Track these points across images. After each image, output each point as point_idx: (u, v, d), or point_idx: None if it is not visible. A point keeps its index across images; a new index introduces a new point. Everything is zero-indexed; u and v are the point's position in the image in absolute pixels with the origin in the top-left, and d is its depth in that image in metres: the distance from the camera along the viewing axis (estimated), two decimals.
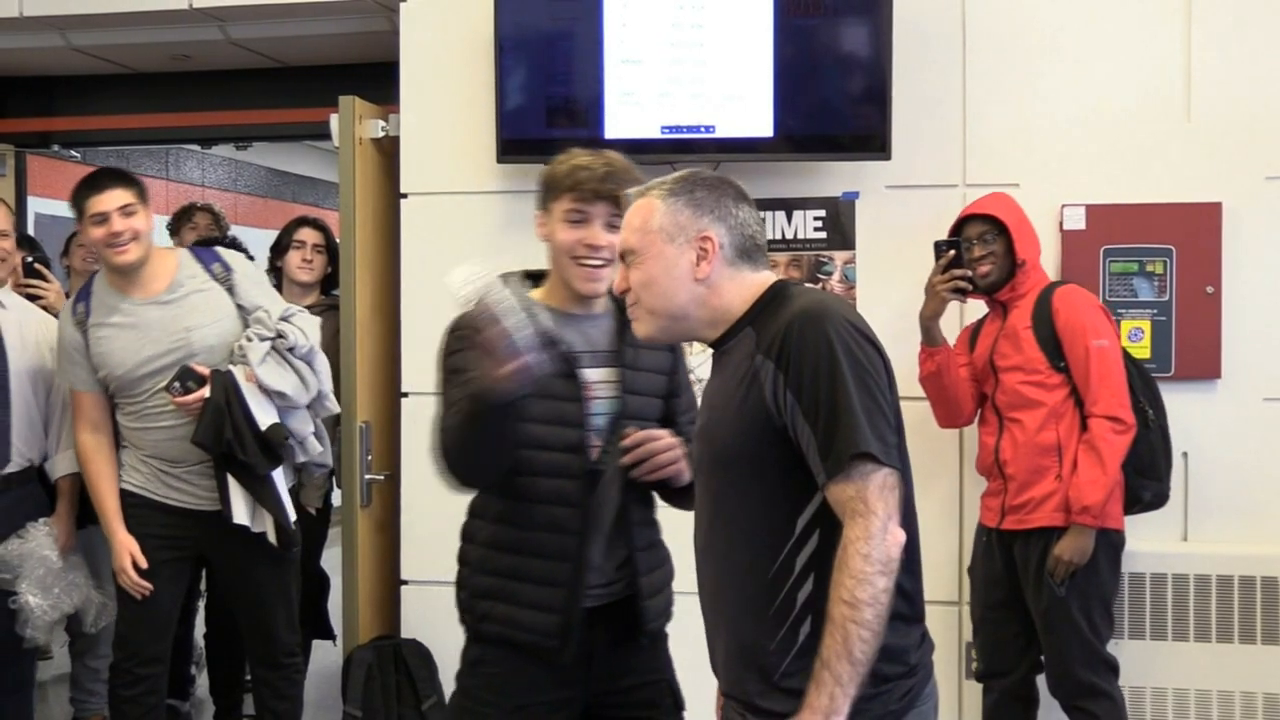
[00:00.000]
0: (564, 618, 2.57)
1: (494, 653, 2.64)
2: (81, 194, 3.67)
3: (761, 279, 2.16)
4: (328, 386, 3.86)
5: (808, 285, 2.22)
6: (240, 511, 3.66)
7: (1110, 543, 3.77)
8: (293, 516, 3.77)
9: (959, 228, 3.95)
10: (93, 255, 4.70)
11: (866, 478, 1.93)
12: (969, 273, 3.87)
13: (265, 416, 3.64)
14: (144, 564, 3.69)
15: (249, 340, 3.67)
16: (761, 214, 2.24)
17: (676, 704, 2.79)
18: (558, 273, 2.66)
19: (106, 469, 3.75)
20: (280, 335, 3.70)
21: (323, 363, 3.83)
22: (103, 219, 3.62)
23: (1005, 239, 3.86)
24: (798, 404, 1.97)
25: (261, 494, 3.67)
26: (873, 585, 1.89)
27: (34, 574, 3.73)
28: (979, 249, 3.88)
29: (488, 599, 2.62)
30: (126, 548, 3.69)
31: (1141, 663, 4.07)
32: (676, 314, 2.14)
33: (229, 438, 3.56)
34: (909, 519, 2.05)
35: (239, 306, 3.76)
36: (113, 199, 3.63)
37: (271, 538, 3.71)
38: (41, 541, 3.77)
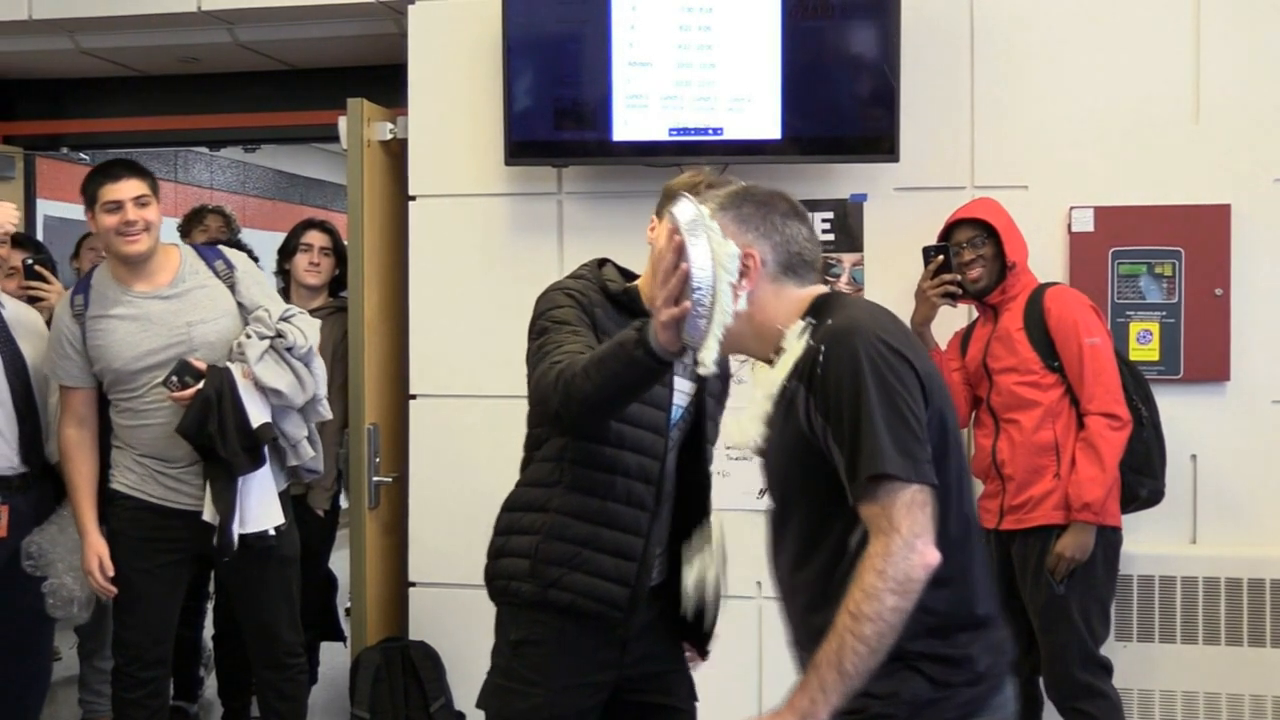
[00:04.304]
0: (633, 591, 2.64)
1: (546, 628, 2.65)
2: (95, 181, 3.67)
3: (806, 295, 2.13)
4: (323, 391, 3.84)
5: (851, 295, 2.16)
6: (209, 510, 3.63)
7: (1108, 542, 3.79)
8: (274, 521, 3.72)
9: (947, 233, 3.97)
10: (101, 256, 4.72)
11: (892, 496, 1.90)
12: (958, 277, 3.90)
13: (258, 415, 3.63)
14: (110, 571, 3.68)
15: (248, 338, 3.66)
16: None
17: (691, 694, 2.87)
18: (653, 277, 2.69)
19: (86, 468, 3.73)
20: (279, 334, 3.69)
21: (319, 366, 3.82)
22: (116, 207, 3.62)
23: (994, 242, 3.88)
24: (828, 426, 1.96)
25: (221, 492, 3.61)
26: (880, 602, 1.87)
27: (70, 557, 3.75)
28: (968, 253, 3.91)
29: (560, 566, 2.64)
30: (96, 551, 3.68)
31: (1149, 665, 4.06)
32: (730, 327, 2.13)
33: (211, 431, 3.54)
34: (964, 527, 2.03)
35: (240, 305, 3.75)
36: (128, 188, 3.63)
37: (214, 540, 3.65)
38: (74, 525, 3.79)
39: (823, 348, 1.99)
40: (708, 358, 2.10)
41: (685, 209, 2.11)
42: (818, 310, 2.09)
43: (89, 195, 3.67)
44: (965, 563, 2.03)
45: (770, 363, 2.12)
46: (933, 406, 2.00)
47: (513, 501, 2.76)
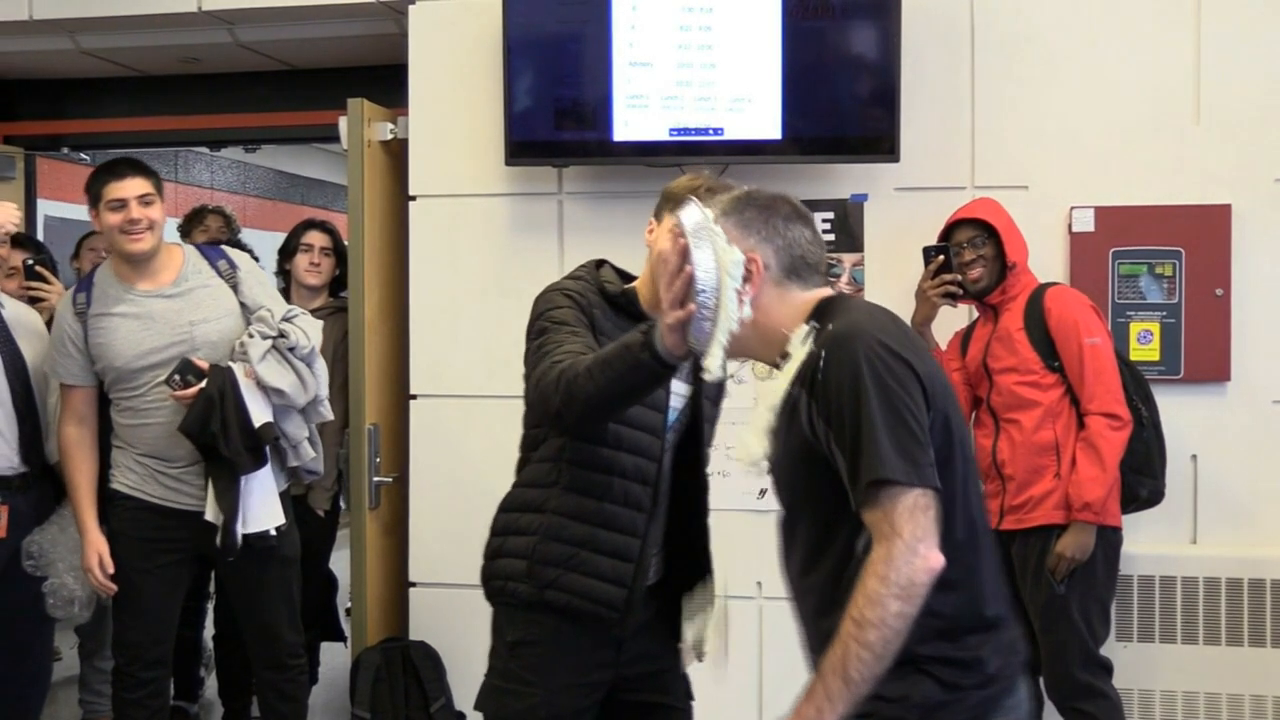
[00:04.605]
0: (630, 592, 2.65)
1: (542, 629, 2.66)
2: (100, 180, 3.68)
3: (810, 297, 2.13)
4: (324, 392, 3.85)
5: (854, 298, 2.16)
6: (212, 510, 3.63)
7: (1109, 542, 3.79)
8: (274, 522, 3.72)
9: (947, 233, 3.98)
10: (101, 256, 4.72)
11: (894, 500, 1.89)
12: (959, 277, 3.90)
13: (260, 415, 3.63)
14: (110, 568, 3.68)
15: (250, 337, 3.67)
16: None
17: (687, 693, 2.88)
18: (650, 279, 2.73)
19: (85, 465, 3.73)
20: (282, 335, 3.70)
21: (321, 367, 3.83)
22: (121, 205, 3.63)
23: (995, 243, 3.89)
24: (830, 432, 1.96)
25: (224, 491, 3.61)
26: (883, 607, 1.86)
27: (71, 557, 3.75)
28: (969, 253, 3.91)
29: (557, 566, 2.64)
30: (96, 548, 3.67)
31: (1150, 665, 4.06)
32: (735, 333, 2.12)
33: (214, 429, 3.54)
34: (970, 530, 2.01)
35: (242, 305, 3.76)
36: (132, 186, 3.65)
37: (217, 540, 3.64)
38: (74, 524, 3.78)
39: (823, 353, 1.98)
40: (713, 364, 2.09)
41: (691, 214, 2.12)
42: (821, 314, 2.08)
43: (93, 193, 3.69)
44: (973, 565, 2.02)
45: (777, 366, 2.11)
46: (936, 409, 1.98)
47: (510, 502, 2.76)
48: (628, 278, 2.82)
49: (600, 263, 2.84)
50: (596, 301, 2.69)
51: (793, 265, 2.13)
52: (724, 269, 2.06)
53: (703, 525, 2.82)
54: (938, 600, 1.92)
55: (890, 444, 1.90)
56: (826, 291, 2.15)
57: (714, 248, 2.07)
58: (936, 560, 1.89)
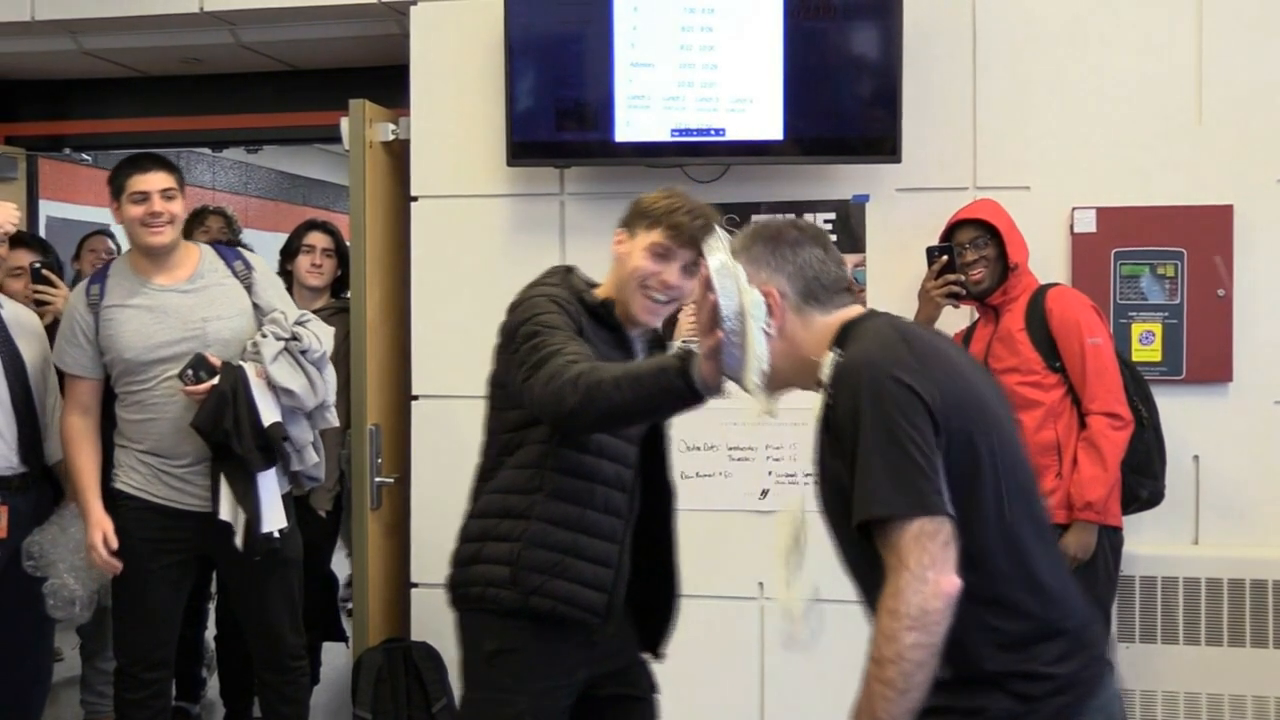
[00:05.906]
0: (611, 597, 2.68)
1: (523, 635, 2.67)
2: (124, 172, 3.72)
3: (833, 321, 2.12)
4: (332, 398, 3.87)
5: (872, 319, 2.13)
6: (227, 509, 3.64)
7: (1110, 542, 3.80)
8: (279, 524, 3.71)
9: (949, 234, 3.98)
10: (102, 257, 4.73)
11: (898, 533, 1.88)
12: (962, 277, 3.90)
13: (269, 415, 3.64)
14: (114, 544, 3.66)
15: (264, 337, 3.69)
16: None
17: (651, 686, 2.92)
18: (619, 291, 2.76)
19: (89, 450, 3.73)
20: (295, 337, 3.72)
21: (331, 373, 3.85)
22: (143, 197, 3.67)
23: (996, 243, 3.89)
24: (843, 466, 1.96)
25: (244, 491, 3.62)
26: (898, 642, 1.85)
27: (71, 558, 3.75)
28: (971, 254, 3.92)
29: (542, 573, 2.65)
30: (100, 526, 3.66)
31: (1151, 666, 4.06)
32: (768, 370, 2.13)
33: (227, 427, 3.56)
34: (1009, 543, 1.99)
35: (255, 306, 3.79)
36: (156, 180, 3.69)
37: (239, 541, 3.64)
38: (78, 525, 3.77)
39: (833, 388, 1.99)
40: (763, 406, 2.12)
41: (714, 255, 2.15)
42: (842, 340, 2.07)
43: (116, 185, 3.72)
44: (1023, 577, 2.00)
45: (816, 392, 2.10)
46: (951, 430, 1.95)
47: (486, 508, 2.75)
48: (591, 285, 2.83)
49: (569, 269, 2.86)
50: (581, 310, 2.72)
51: (808, 289, 2.12)
52: (747, 312, 2.08)
53: (669, 527, 2.85)
54: (995, 617, 1.93)
55: (887, 477, 1.89)
56: (850, 313, 2.14)
57: (737, 285, 2.10)
58: (950, 584, 1.87)
